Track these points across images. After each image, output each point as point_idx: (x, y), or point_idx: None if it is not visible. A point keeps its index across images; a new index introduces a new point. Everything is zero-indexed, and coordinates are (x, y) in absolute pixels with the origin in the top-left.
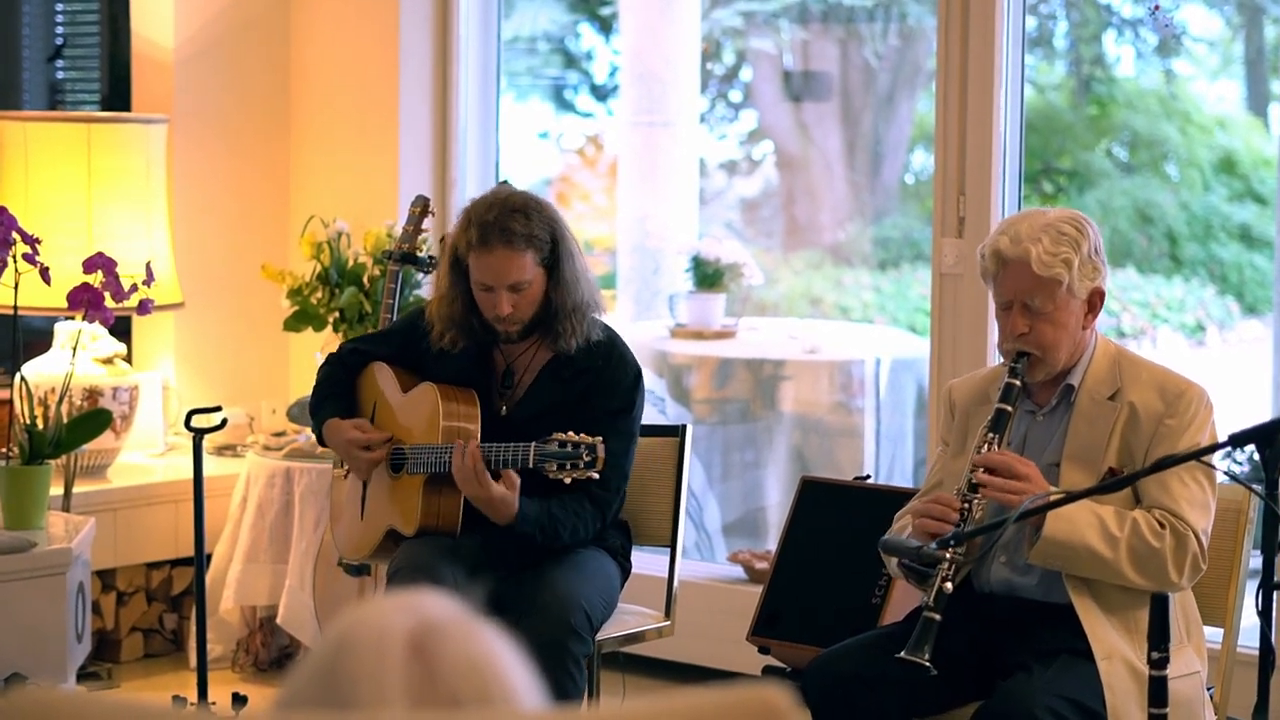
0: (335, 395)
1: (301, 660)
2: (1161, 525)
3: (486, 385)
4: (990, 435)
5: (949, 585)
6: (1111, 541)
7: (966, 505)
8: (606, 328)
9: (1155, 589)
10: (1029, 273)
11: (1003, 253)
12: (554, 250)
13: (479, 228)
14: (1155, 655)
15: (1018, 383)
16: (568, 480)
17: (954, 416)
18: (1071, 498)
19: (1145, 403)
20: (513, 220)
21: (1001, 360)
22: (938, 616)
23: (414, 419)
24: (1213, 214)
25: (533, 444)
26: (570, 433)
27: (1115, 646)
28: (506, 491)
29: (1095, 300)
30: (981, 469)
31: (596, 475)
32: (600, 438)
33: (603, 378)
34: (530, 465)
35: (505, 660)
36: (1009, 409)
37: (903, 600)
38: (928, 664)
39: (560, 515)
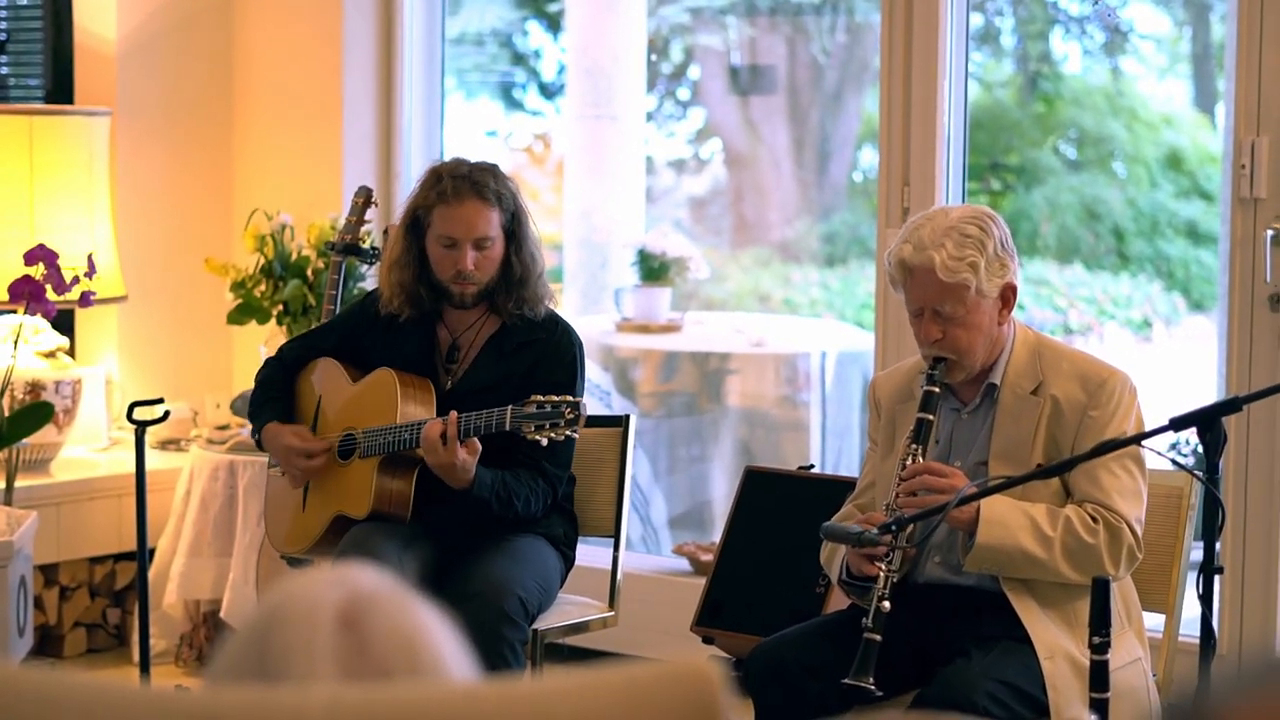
0: (274, 399)
1: (234, 632)
2: (1094, 520)
3: (431, 362)
4: (913, 446)
5: (886, 605)
6: (1045, 542)
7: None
8: (550, 306)
9: None
10: (935, 280)
11: (907, 261)
12: (514, 218)
13: (451, 179)
14: (1096, 640)
15: (936, 390)
16: (544, 441)
17: (880, 415)
18: (1013, 482)
19: (1068, 395)
20: (483, 175)
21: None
22: (878, 637)
23: (368, 404)
24: (1159, 211)
25: (509, 407)
26: (549, 394)
27: (1057, 644)
28: (467, 457)
29: (1008, 295)
30: (904, 493)
31: (575, 434)
32: (581, 397)
33: (547, 351)
34: (507, 428)
35: (436, 633)
36: (930, 418)
37: None
38: (872, 686)
39: (514, 485)
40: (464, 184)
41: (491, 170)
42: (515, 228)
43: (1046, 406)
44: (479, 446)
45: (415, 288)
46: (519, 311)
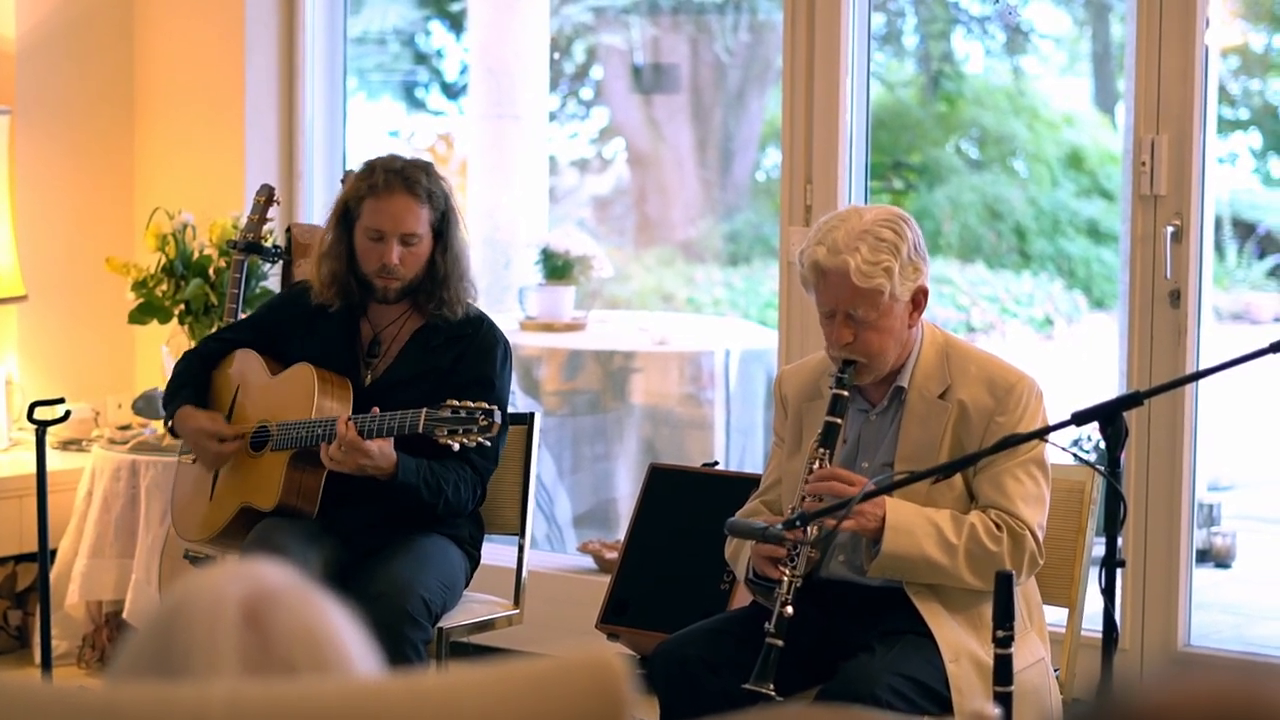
0: (189, 385)
1: (137, 629)
2: (999, 527)
3: (352, 355)
4: (821, 451)
5: (789, 610)
6: (949, 549)
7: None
8: (476, 306)
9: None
10: (849, 284)
11: (821, 264)
12: (444, 218)
13: (384, 172)
14: (1000, 634)
15: (845, 393)
16: (456, 446)
17: (786, 412)
18: (916, 477)
19: (975, 400)
20: (416, 171)
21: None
22: (780, 643)
23: (285, 397)
24: (1060, 209)
25: (424, 410)
26: (465, 399)
27: (962, 646)
28: (383, 443)
29: (919, 298)
30: (810, 497)
31: (489, 442)
32: (495, 405)
33: (473, 346)
34: (420, 430)
35: (340, 628)
36: (838, 422)
37: None
38: (772, 693)
39: (441, 472)
40: (395, 178)
41: (425, 168)
42: (444, 228)
43: (954, 411)
44: (390, 438)
45: (346, 278)
46: (438, 312)
